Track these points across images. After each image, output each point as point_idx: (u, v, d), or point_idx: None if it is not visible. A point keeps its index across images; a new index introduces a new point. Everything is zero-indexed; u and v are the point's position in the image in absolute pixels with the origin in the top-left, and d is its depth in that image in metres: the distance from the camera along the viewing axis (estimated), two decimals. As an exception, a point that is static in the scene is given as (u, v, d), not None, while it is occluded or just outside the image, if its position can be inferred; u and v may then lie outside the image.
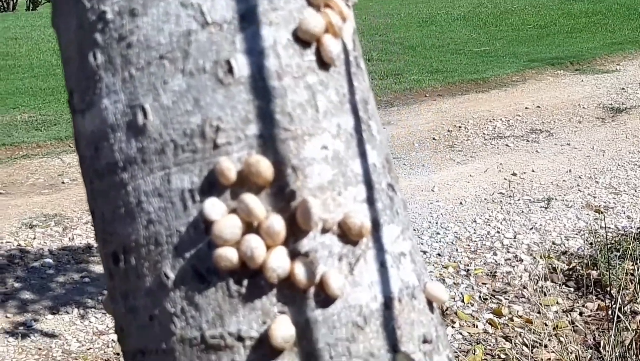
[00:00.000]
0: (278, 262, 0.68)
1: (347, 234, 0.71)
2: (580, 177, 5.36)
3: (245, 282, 0.69)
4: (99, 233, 0.76)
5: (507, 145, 6.17)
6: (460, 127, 6.66)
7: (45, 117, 7.10)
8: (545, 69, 8.55)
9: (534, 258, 4.15)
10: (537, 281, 3.88)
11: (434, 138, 6.41)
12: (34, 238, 4.57)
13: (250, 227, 0.69)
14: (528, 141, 6.25)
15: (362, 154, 0.73)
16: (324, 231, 0.70)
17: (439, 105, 7.47)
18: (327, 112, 0.71)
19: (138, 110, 0.70)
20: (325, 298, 0.70)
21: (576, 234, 4.44)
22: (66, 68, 0.77)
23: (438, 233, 4.57)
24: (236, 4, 0.69)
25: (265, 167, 0.67)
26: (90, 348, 3.42)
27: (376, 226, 0.74)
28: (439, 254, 4.29)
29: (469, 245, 4.40)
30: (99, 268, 4.15)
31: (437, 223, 4.71)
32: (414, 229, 4.82)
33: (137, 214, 0.71)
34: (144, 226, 0.71)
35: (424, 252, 4.30)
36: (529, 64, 8.82)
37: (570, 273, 3.93)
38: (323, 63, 0.72)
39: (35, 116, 7.16)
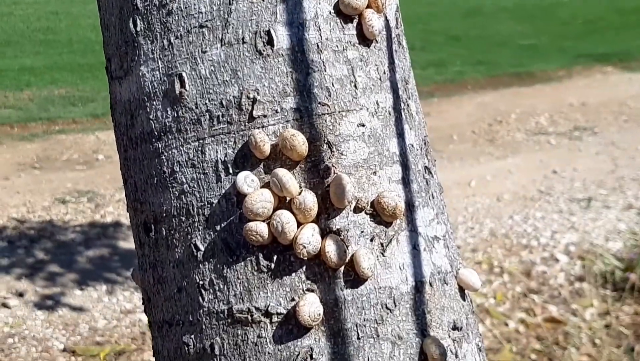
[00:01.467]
0: (309, 238, 0.67)
1: (380, 215, 0.69)
2: (623, 178, 5.26)
3: (274, 257, 0.68)
4: (131, 202, 0.76)
5: (549, 142, 6.07)
6: (501, 121, 6.57)
7: (82, 93, 7.17)
8: (592, 66, 8.40)
9: (571, 258, 4.09)
10: (573, 282, 3.82)
11: (473, 132, 6.34)
12: (66, 213, 4.63)
13: (282, 202, 0.68)
14: (571, 138, 6.14)
15: (400, 134, 0.71)
16: (357, 210, 0.69)
17: (481, 98, 7.38)
18: (366, 89, 0.70)
19: (175, 79, 0.69)
20: (355, 278, 0.69)
21: (616, 235, 4.36)
22: (105, 33, 0.77)
23: (473, 228, 4.53)
24: (279, -24, 0.68)
25: (300, 142, 0.66)
26: (117, 326, 3.45)
27: (410, 208, 0.72)
28: (474, 250, 4.25)
29: (504, 242, 4.35)
30: (128, 245, 4.19)
31: (472, 218, 4.66)
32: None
33: (170, 184, 0.71)
34: (176, 196, 0.71)
35: (458, 247, 4.26)
36: (576, 59, 8.67)
37: (608, 275, 3.86)
38: (364, 38, 0.70)
39: (72, 92, 7.23)
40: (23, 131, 6.12)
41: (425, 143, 0.76)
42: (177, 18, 0.69)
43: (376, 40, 0.72)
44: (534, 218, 4.66)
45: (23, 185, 5.05)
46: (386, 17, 0.74)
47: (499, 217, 4.71)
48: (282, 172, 0.66)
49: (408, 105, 0.75)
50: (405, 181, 0.71)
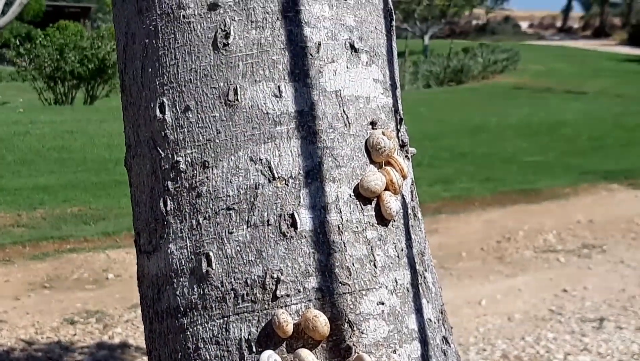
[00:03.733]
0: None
1: (400, 392, 0.71)
2: (634, 297, 5.22)
3: None
4: (155, 372, 0.78)
5: (558, 259, 6.06)
6: (509, 238, 6.59)
7: (94, 211, 7.24)
8: (598, 183, 8.48)
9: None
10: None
11: (482, 249, 6.34)
12: (74, 335, 4.59)
13: (305, 380, 0.70)
14: (580, 256, 6.13)
15: (418, 310, 0.74)
16: (378, 388, 0.71)
17: (488, 215, 7.42)
18: (385, 267, 0.73)
19: (203, 258, 0.72)
20: None
21: (630, 358, 4.29)
22: (135, 209, 0.81)
23: (485, 350, 4.46)
24: (302, 161, 0.72)
25: (322, 323, 0.69)
26: None
27: (429, 382, 0.74)
28: (486, 372, 4.18)
29: (517, 364, 4.28)
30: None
31: (484, 339, 4.60)
32: (460, 344, 4.72)
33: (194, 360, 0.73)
34: (199, 372, 0.73)
35: (471, 368, 4.19)
36: (582, 176, 8.75)
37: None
38: (382, 218, 0.74)
39: (85, 210, 7.30)
40: (34, 250, 6.15)
41: (442, 313, 0.79)
42: (205, 200, 0.73)
43: (394, 220, 0.75)
44: (546, 339, 4.60)
45: (33, 305, 5.04)
46: (402, 193, 0.78)
47: (510, 338, 4.65)
48: (304, 354, 0.68)
49: (425, 278, 0.77)
50: (425, 358, 0.73)
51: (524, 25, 50.05)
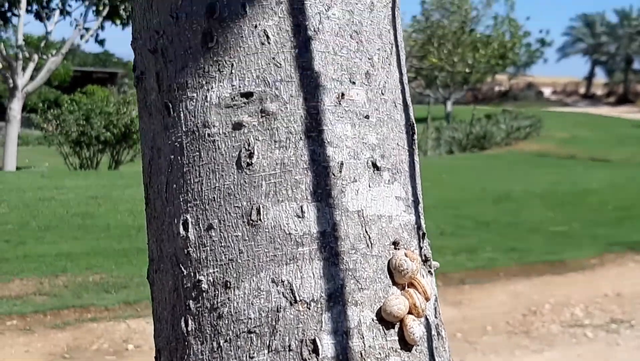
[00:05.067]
0: None
1: None
2: (664, 375, 5.08)
3: None
4: None
5: (585, 335, 5.94)
6: (535, 311, 6.48)
7: (116, 279, 7.25)
8: (625, 254, 8.36)
9: None
10: None
11: (507, 322, 6.24)
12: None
13: None
14: (608, 331, 6.01)
15: None
16: None
17: (514, 286, 7.32)
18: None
19: (223, 383, 0.72)
20: None
21: None
22: (156, 325, 0.80)
23: None
24: (325, 283, 0.72)
25: None
26: None
27: None
28: None
29: None
30: None
31: (511, 418, 4.49)
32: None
33: None
34: None
35: None
36: (609, 247, 8.64)
37: None
38: (406, 343, 0.73)
39: (106, 278, 7.31)
40: (55, 318, 6.15)
41: None
42: (227, 322, 0.72)
43: (417, 344, 0.74)
44: (575, 420, 4.48)
45: (52, 376, 5.01)
46: (426, 315, 0.77)
47: (538, 417, 4.53)
48: None
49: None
50: None
51: (547, 91, 50.24)
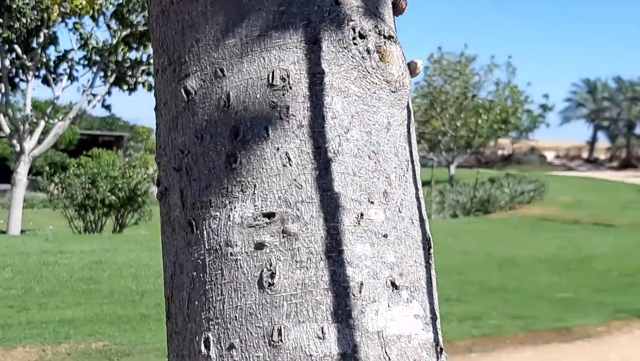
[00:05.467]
0: None
1: None
2: None
3: None
4: None
5: (594, 407, 5.85)
6: (543, 382, 6.39)
7: (119, 346, 7.18)
8: (632, 321, 8.29)
9: None
10: None
11: (516, 393, 6.15)
12: None
13: None
14: (617, 403, 5.92)
15: None
16: None
17: (521, 354, 7.24)
18: None
19: None
20: None
21: None
22: None
23: None
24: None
25: None
26: None
27: None
28: None
29: None
30: None
31: None
32: None
33: None
34: None
35: None
36: (616, 314, 8.57)
37: None
38: None
39: (109, 345, 7.24)
40: (58, 389, 6.07)
41: None
42: None
43: None
44: None
45: None
46: None
47: None
48: None
49: None
50: None
51: (549, 155, 50.46)
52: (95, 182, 15.79)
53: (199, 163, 0.82)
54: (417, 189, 0.87)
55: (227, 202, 0.80)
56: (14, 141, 14.91)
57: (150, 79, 15.61)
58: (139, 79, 15.49)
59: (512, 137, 43.04)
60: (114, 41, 14.80)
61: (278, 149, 0.80)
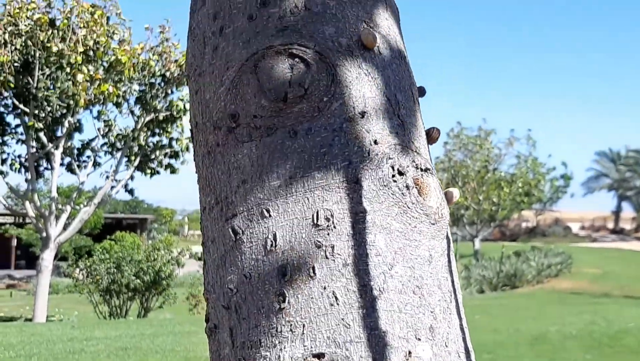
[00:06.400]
0: None
1: None
2: None
3: None
4: None
5: None
6: None
7: None
8: (669, 401, 8.05)
9: None
10: None
11: None
12: None
13: None
14: None
15: None
16: None
17: None
18: None
19: None
20: None
21: None
22: None
23: None
24: None
25: None
26: None
27: None
28: None
29: None
30: None
31: None
32: None
33: None
34: None
35: None
36: (651, 393, 8.34)
37: None
38: None
39: None
40: None
41: None
42: None
43: None
44: None
45: None
46: None
47: None
48: None
49: None
50: None
51: (574, 227, 49.95)
52: (120, 266, 15.86)
53: (248, 302, 0.84)
54: (460, 318, 0.89)
55: (277, 342, 0.82)
56: (40, 226, 15.07)
57: (172, 161, 15.81)
58: (163, 162, 15.70)
59: (536, 209, 42.79)
60: (138, 126, 15.07)
61: (325, 288, 0.82)
